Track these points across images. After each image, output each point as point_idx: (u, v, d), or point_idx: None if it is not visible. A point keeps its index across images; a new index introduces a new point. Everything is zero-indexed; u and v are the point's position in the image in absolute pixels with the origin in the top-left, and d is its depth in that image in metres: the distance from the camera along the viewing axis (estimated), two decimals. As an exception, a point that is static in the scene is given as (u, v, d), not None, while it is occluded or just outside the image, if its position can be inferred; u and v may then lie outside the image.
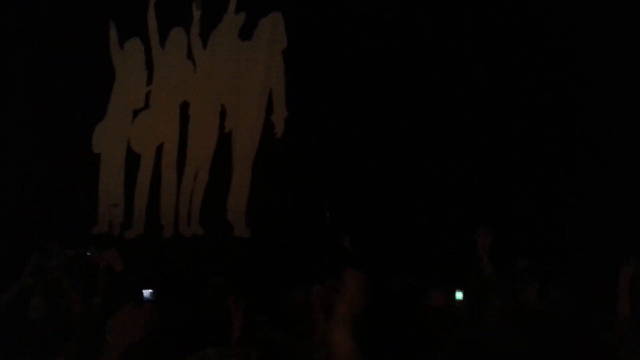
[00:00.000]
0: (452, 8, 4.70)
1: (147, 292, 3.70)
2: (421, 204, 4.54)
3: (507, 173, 4.40)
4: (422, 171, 4.62)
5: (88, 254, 4.37)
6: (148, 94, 6.13)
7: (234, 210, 5.52)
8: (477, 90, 4.54)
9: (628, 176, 4.01)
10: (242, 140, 5.55)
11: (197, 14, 5.90)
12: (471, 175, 4.42)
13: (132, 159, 6.09)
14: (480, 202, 4.29)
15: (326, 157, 5.05)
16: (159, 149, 6.00)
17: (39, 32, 6.50)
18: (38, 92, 6.43)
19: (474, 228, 3.00)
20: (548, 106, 4.38)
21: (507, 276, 3.45)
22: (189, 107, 5.88)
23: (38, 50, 6.49)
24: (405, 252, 4.31)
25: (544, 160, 4.34)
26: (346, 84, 5.03)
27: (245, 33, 5.65)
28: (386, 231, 4.58)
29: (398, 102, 4.83)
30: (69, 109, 6.23)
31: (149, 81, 6.13)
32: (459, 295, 2.95)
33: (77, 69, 6.28)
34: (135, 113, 6.18)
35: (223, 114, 5.68)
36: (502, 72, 4.50)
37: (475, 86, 4.55)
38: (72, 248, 4.56)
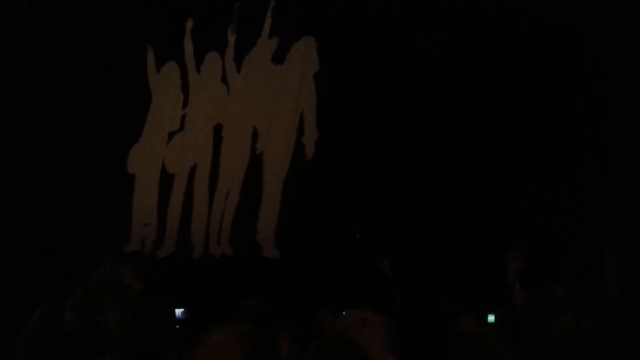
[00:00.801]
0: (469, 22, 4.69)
1: (178, 312, 3.75)
2: (452, 227, 4.49)
3: (542, 198, 4.33)
4: (452, 194, 4.58)
5: (121, 270, 4.47)
6: (183, 117, 6.29)
7: (264, 231, 5.56)
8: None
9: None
10: (273, 162, 5.62)
11: (231, 38, 6.06)
12: (505, 199, 4.36)
13: (166, 180, 6.22)
14: (516, 225, 4.22)
15: (356, 179, 5.07)
16: (192, 170, 6.11)
17: (80, 55, 6.75)
18: (78, 113, 6.65)
19: (505, 252, 2.94)
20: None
21: (543, 303, 3.37)
22: (222, 129, 6.00)
23: (79, 72, 6.73)
24: (437, 276, 4.25)
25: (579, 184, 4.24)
26: (376, 107, 5.07)
27: (278, 57, 5.77)
28: (417, 254, 4.54)
29: (430, 123, 4.83)
30: (107, 129, 6.41)
31: (185, 104, 6.30)
32: (491, 318, 2.90)
33: (115, 92, 6.49)
34: (170, 135, 6.33)
35: (255, 136, 5.78)
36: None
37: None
38: (107, 264, 4.67)
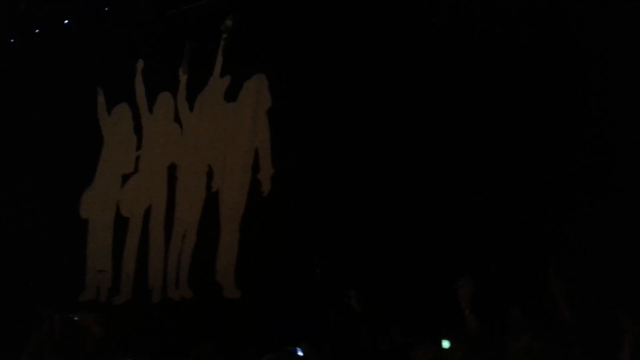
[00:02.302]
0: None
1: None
2: (406, 254, 4.48)
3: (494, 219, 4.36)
4: (405, 222, 4.58)
5: (76, 318, 4.30)
6: (137, 158, 6.19)
7: (223, 271, 5.44)
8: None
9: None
10: (229, 200, 5.54)
11: (183, 78, 6.04)
12: (458, 226, 4.38)
13: (120, 224, 6.06)
14: (470, 251, 4.24)
15: (314, 213, 5.04)
16: (147, 212, 5.98)
17: (30, 98, 6.63)
18: (26, 159, 6.49)
19: (455, 279, 2.94)
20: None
21: (498, 327, 3.38)
22: (176, 169, 5.92)
23: (29, 116, 6.60)
24: (391, 307, 4.22)
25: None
26: (330, 140, 5.08)
27: (231, 95, 5.76)
28: (373, 286, 4.51)
29: (383, 155, 4.85)
30: (57, 174, 6.26)
31: (138, 146, 6.20)
32: (445, 344, 2.88)
33: (65, 135, 6.37)
34: (124, 177, 6.21)
35: (210, 175, 5.70)
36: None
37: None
38: (60, 313, 4.48)
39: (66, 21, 6.46)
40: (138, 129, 6.21)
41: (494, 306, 3.49)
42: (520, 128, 4.34)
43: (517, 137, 4.34)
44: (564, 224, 4.06)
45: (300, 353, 3.57)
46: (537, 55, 4.37)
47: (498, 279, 3.96)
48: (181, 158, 5.92)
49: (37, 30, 6.68)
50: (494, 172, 4.35)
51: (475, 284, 3.13)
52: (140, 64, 6.27)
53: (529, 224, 4.18)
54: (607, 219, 3.90)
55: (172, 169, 5.94)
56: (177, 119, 6.00)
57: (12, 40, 6.85)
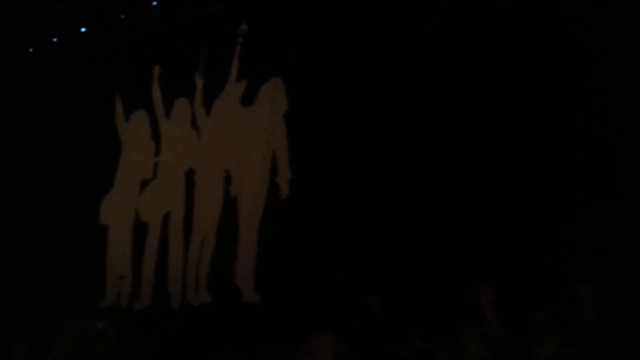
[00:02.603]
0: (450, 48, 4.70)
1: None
2: (428, 261, 4.44)
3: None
4: (428, 229, 4.53)
5: (99, 326, 4.32)
6: (155, 164, 6.22)
7: (242, 276, 5.43)
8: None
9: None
10: (247, 204, 5.54)
11: (199, 83, 6.05)
12: (481, 233, 4.33)
13: (140, 230, 6.09)
14: (490, 255, 4.18)
15: (332, 217, 5.01)
16: (166, 218, 6.01)
17: (48, 107, 6.71)
18: (46, 166, 6.56)
19: (478, 284, 2.90)
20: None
21: (521, 332, 3.33)
22: (194, 174, 5.94)
23: (47, 124, 6.68)
24: (412, 312, 4.17)
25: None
26: (348, 143, 5.06)
27: (247, 99, 5.76)
28: (394, 291, 4.47)
29: (402, 159, 4.82)
30: (77, 181, 6.32)
31: (156, 152, 6.24)
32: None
33: (84, 142, 6.43)
34: (143, 183, 6.24)
35: (228, 179, 5.71)
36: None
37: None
38: (82, 322, 4.51)
39: (83, 29, 6.51)
40: (156, 135, 6.24)
41: (517, 311, 3.43)
42: (532, 127, 4.31)
43: (548, 138, 4.29)
44: (588, 227, 3.99)
45: None
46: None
47: (522, 284, 3.90)
48: (199, 163, 5.94)
49: (54, 39, 6.74)
50: (519, 175, 4.30)
51: (497, 289, 3.08)
52: (156, 70, 6.30)
53: (553, 227, 4.12)
54: (632, 222, 3.83)
55: (190, 174, 5.95)
56: (194, 124, 6.02)
57: (31, 50, 6.92)
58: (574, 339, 3.17)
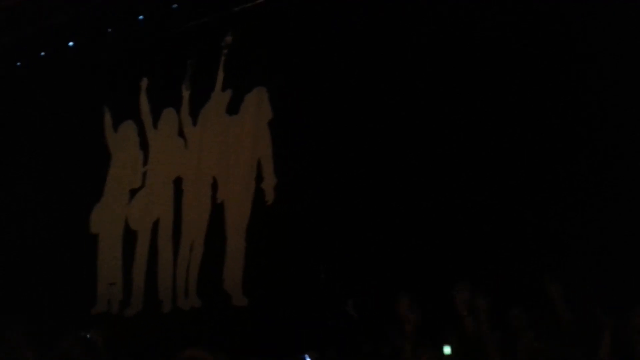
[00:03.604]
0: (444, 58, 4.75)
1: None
2: (407, 259, 4.58)
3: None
4: (407, 228, 4.67)
5: (88, 336, 4.42)
6: (143, 173, 6.34)
7: (231, 280, 5.56)
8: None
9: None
10: (234, 210, 5.67)
11: (186, 94, 6.21)
12: (456, 229, 4.47)
13: (129, 237, 6.20)
14: (465, 252, 4.33)
15: (318, 220, 5.15)
16: (155, 225, 6.12)
17: (37, 120, 6.80)
18: (37, 177, 6.64)
19: (454, 282, 3.02)
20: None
21: (499, 327, 3.44)
22: (182, 182, 6.06)
23: (37, 136, 6.77)
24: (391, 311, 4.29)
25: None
26: (332, 148, 5.21)
27: (233, 108, 5.91)
28: (374, 290, 4.60)
29: (386, 163, 4.95)
30: (67, 192, 6.41)
31: (145, 161, 6.36)
32: (446, 350, 2.95)
33: (74, 153, 6.54)
34: (132, 192, 6.36)
35: (215, 186, 5.84)
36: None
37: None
38: (73, 331, 4.61)
39: (71, 43, 6.63)
40: (144, 145, 6.37)
41: (493, 308, 3.55)
42: (525, 128, 4.39)
43: (519, 137, 4.38)
44: (562, 225, 4.12)
45: None
46: (539, 55, 4.44)
47: (497, 281, 4.01)
48: (186, 171, 6.07)
49: (42, 53, 6.85)
50: (494, 173, 4.42)
51: (473, 287, 3.19)
52: (144, 82, 6.45)
53: (528, 225, 4.24)
54: (607, 219, 3.96)
55: (177, 182, 6.08)
56: (182, 134, 6.17)
57: (18, 64, 7.03)
58: (549, 334, 3.29)
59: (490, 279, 4.03)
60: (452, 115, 4.67)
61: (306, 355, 3.95)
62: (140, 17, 6.28)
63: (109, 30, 6.43)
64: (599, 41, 4.18)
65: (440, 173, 4.63)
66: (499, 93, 4.54)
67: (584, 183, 4.11)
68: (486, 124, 4.55)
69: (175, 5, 6.13)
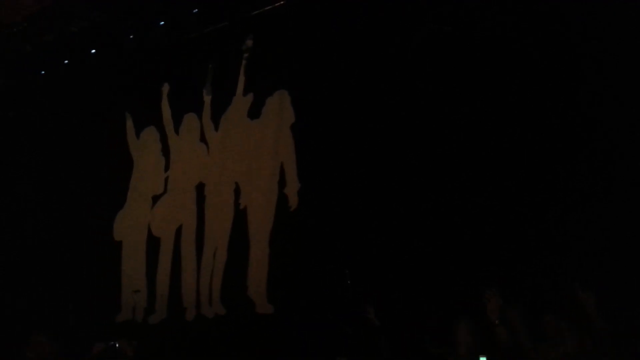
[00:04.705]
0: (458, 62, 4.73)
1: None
2: (436, 265, 4.45)
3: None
4: (437, 237, 4.55)
5: (117, 345, 4.42)
6: (166, 179, 6.32)
7: (255, 287, 5.48)
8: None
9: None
10: (257, 216, 5.60)
11: (207, 99, 6.17)
12: (488, 238, 4.34)
13: (153, 244, 6.18)
14: (496, 261, 4.19)
15: (342, 226, 5.05)
16: (178, 232, 6.09)
17: (61, 127, 6.85)
18: (59, 185, 6.68)
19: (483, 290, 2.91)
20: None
21: (534, 333, 3.33)
22: (204, 188, 6.02)
23: (60, 144, 6.82)
24: (424, 319, 4.18)
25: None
26: (355, 152, 5.11)
27: (254, 112, 5.85)
28: (405, 299, 4.49)
29: (411, 168, 4.85)
30: (90, 198, 6.43)
31: (167, 167, 6.34)
32: (482, 360, 2.85)
33: (97, 160, 6.56)
34: (154, 198, 6.34)
35: (237, 192, 5.78)
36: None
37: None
38: (98, 338, 4.60)
39: (93, 51, 6.66)
40: (166, 151, 6.35)
41: (524, 316, 3.43)
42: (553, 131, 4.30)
43: (550, 141, 4.29)
44: (595, 231, 3.98)
45: None
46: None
47: (528, 289, 3.90)
48: (209, 177, 6.02)
49: (65, 61, 6.89)
50: (526, 180, 4.30)
51: (503, 293, 3.09)
52: (165, 88, 6.44)
53: (561, 232, 4.11)
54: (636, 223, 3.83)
55: (200, 188, 6.04)
56: (203, 139, 6.13)
57: (42, 72, 7.09)
58: (584, 340, 3.17)
59: (522, 287, 3.92)
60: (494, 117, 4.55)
61: None
62: (161, 22, 6.26)
63: (131, 36, 6.43)
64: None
65: (470, 179, 4.51)
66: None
67: (620, 189, 3.95)
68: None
69: (195, 10, 6.09)
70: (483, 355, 2.95)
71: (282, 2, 5.71)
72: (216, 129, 6.08)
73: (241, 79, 5.98)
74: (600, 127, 4.11)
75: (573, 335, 3.21)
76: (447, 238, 4.48)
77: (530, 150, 4.37)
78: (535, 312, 3.39)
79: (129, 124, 6.60)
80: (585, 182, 4.07)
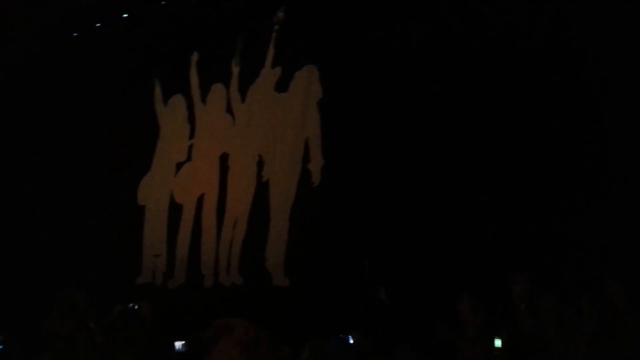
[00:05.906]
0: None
1: (179, 344, 3.77)
2: (457, 251, 4.45)
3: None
4: (456, 219, 4.54)
5: (136, 307, 4.53)
6: (190, 147, 6.38)
7: (273, 259, 5.55)
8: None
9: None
10: (279, 190, 5.64)
11: (235, 70, 6.17)
12: (509, 225, 4.32)
13: (175, 211, 6.27)
14: (522, 248, 4.18)
15: (363, 205, 5.07)
16: (200, 200, 6.16)
17: (89, 90, 6.92)
18: (87, 148, 6.78)
19: (508, 276, 2.91)
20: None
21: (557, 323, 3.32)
22: (228, 159, 6.07)
23: (89, 107, 6.90)
24: (438, 302, 4.20)
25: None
26: (381, 132, 5.09)
27: (282, 86, 5.84)
28: (420, 280, 4.51)
29: (435, 149, 4.82)
30: (116, 163, 6.53)
31: (191, 135, 6.39)
32: (497, 343, 2.86)
33: (124, 125, 6.63)
34: (178, 166, 6.41)
35: (261, 164, 5.82)
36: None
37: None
38: (120, 299, 4.72)
39: (125, 15, 6.68)
40: (192, 119, 6.39)
41: (551, 303, 3.42)
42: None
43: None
44: (623, 221, 3.95)
45: (351, 341, 3.64)
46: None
47: (557, 277, 3.88)
48: (233, 148, 6.06)
49: (97, 25, 6.93)
50: (559, 173, 4.28)
51: (530, 280, 3.08)
52: (195, 57, 6.44)
53: (590, 222, 4.09)
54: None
55: (223, 158, 6.09)
56: (230, 110, 6.15)
57: (75, 34, 7.14)
58: (608, 332, 3.17)
59: (551, 275, 3.90)
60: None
61: (349, 336, 3.94)
62: (194, -10, 6.25)
63: (163, 2, 6.42)
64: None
65: (491, 167, 4.50)
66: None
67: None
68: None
69: (228, -20, 6.06)
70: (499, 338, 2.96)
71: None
72: (243, 100, 6.09)
73: (270, 52, 5.96)
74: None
75: (598, 325, 3.20)
76: (476, 221, 4.47)
77: (562, 140, 4.32)
78: (562, 300, 3.38)
79: (157, 90, 6.65)
80: (620, 173, 4.01)
